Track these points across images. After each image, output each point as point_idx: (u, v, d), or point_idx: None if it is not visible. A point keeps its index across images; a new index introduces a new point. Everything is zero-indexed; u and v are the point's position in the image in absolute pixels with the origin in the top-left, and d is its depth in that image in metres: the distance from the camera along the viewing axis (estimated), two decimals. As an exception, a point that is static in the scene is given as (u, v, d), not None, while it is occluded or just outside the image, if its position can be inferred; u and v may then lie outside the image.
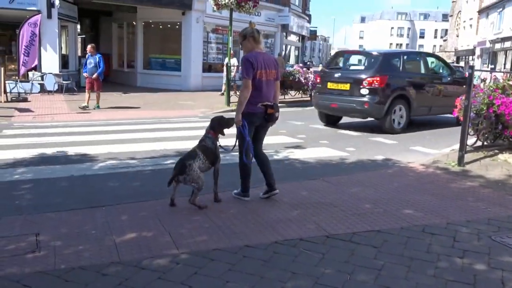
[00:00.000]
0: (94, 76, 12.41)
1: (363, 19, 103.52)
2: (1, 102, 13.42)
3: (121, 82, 21.85)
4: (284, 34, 26.61)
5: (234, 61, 15.31)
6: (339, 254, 3.51)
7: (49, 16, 16.08)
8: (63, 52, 20.25)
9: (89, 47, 12.85)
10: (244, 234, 3.85)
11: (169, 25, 21.12)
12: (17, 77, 15.75)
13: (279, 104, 4.99)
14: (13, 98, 14.10)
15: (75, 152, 7.20)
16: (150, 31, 21.65)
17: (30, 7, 15.81)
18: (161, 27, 21.72)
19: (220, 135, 4.72)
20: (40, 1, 15.94)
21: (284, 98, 16.68)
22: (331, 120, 11.06)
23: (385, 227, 4.09)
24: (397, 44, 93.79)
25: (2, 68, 13.78)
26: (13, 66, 16.61)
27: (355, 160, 7.15)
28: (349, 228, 4.05)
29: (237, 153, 4.90)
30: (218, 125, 4.73)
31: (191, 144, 7.83)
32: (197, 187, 4.41)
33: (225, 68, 15.56)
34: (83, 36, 27.24)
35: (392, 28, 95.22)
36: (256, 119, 4.71)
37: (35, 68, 16.14)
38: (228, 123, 4.73)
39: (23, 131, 9.28)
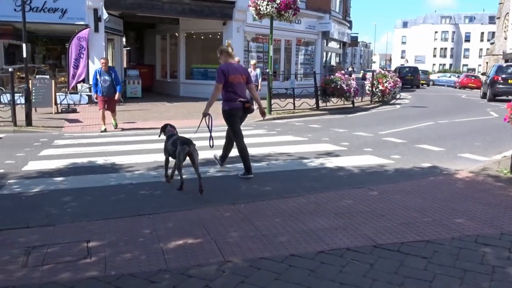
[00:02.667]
0: (117, 96, 10.98)
1: (405, 24, 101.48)
2: (52, 113, 14.02)
3: (164, 92, 22.36)
4: (325, 41, 26.47)
5: (254, 72, 15.27)
6: (387, 264, 3.42)
7: (96, 30, 16.69)
8: (110, 64, 20.93)
9: (102, 60, 11.06)
10: (289, 243, 3.82)
11: (210, 35, 21.46)
12: (67, 89, 16.40)
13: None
14: (63, 110, 14.70)
15: (121, 161, 7.39)
16: (192, 41, 22.07)
17: (78, 21, 16.46)
18: (202, 37, 22.10)
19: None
20: (88, 16, 16.56)
21: (326, 105, 16.55)
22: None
23: (434, 237, 3.96)
24: (441, 49, 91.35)
25: (53, 81, 14.41)
26: (63, 78, 17.32)
27: (401, 168, 6.98)
28: (397, 237, 3.94)
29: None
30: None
31: (234, 152, 7.95)
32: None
33: (255, 76, 15.62)
34: (128, 48, 28.10)
35: (436, 32, 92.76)
36: (238, 112, 6.35)
37: (83, 80, 16.75)
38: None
39: (73, 141, 9.63)
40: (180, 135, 5.93)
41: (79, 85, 16.87)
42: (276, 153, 8.13)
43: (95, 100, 11.24)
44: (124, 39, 23.23)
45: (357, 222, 4.34)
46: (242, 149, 6.44)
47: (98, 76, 10.76)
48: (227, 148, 6.84)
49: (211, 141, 6.34)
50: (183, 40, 21.63)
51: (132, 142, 9.40)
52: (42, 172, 6.62)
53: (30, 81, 12.57)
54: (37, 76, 15.02)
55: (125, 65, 23.70)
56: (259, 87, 14.42)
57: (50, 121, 12.45)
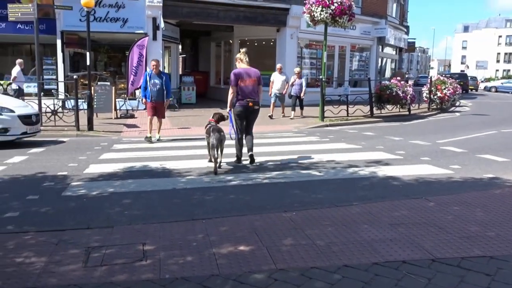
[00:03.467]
0: (166, 103, 10.35)
1: (466, 28, 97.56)
2: (112, 118, 14.62)
3: (218, 98, 22.69)
4: (380, 46, 25.94)
5: (281, 77, 15.22)
6: (447, 280, 3.28)
7: (155, 38, 17.27)
8: (166, 71, 21.52)
9: (152, 62, 10.10)
10: (342, 253, 3.76)
11: (263, 42, 21.61)
12: (125, 95, 17.03)
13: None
14: (122, 115, 15.29)
15: (176, 166, 7.56)
16: (246, 48, 22.32)
17: (138, 30, 17.11)
18: (256, 44, 22.29)
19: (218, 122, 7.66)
20: (147, 25, 17.19)
21: (381, 113, 16.19)
22: None
23: (499, 253, 3.75)
24: (505, 54, 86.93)
25: (114, 87, 15.04)
26: (122, 85, 18.00)
27: (461, 179, 6.69)
28: (457, 252, 3.77)
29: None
30: (219, 117, 7.72)
31: (286, 159, 7.92)
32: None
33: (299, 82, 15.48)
34: (184, 55, 28.85)
35: (500, 36, 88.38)
36: (244, 109, 7.51)
37: (141, 87, 17.35)
38: (223, 117, 7.74)
39: (130, 146, 9.98)
40: (214, 124, 7.50)
41: (137, 91, 17.46)
42: (328, 160, 8.03)
43: (143, 104, 10.54)
44: (180, 47, 23.87)
45: (413, 234, 4.19)
46: (239, 141, 7.73)
47: (148, 79, 10.06)
48: (249, 144, 7.79)
49: (232, 132, 7.73)
50: (237, 47, 21.90)
51: (186, 148, 9.61)
52: (102, 175, 6.90)
53: (92, 88, 13.17)
54: (98, 83, 15.72)
55: (180, 72, 24.30)
56: (302, 94, 15.16)
57: (110, 126, 12.98)
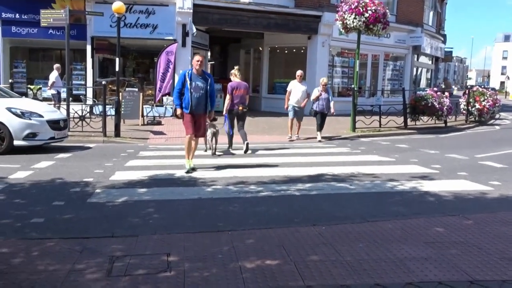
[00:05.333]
0: (211, 114, 8.48)
1: (507, 38, 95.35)
2: (138, 125, 14.85)
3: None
4: (416, 56, 25.57)
5: (301, 87, 12.55)
6: (486, 304, 3.15)
7: (184, 44, 17.51)
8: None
9: (197, 58, 7.77)
10: (374, 271, 3.66)
11: (294, 50, 21.62)
12: (153, 102, 17.28)
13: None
14: (149, 122, 15.50)
15: (202, 176, 7.59)
16: (276, 56, 22.37)
17: (167, 36, 17.38)
18: (286, 51, 22.33)
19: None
20: (177, 31, 17.45)
21: (415, 124, 15.92)
22: None
23: (543, 277, 3.59)
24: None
25: (141, 94, 15.28)
26: (150, 91, 18.28)
27: (501, 196, 6.47)
28: (497, 274, 3.63)
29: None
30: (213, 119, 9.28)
31: (316, 170, 7.87)
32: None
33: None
34: (213, 62, 29.12)
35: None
36: (236, 111, 10.15)
37: (169, 94, 17.56)
38: (215, 119, 9.41)
39: (156, 153, 10.09)
40: (210, 123, 9.26)
41: (164, 98, 17.70)
42: (359, 173, 7.92)
43: (178, 116, 8.01)
44: (209, 54, 24.09)
45: (450, 253, 4.06)
46: (231, 136, 10.36)
47: (186, 81, 7.68)
48: (244, 138, 10.12)
49: (226, 127, 10.33)
50: (266, 55, 22.01)
51: (214, 156, 9.64)
52: (128, 182, 6.98)
53: (120, 94, 13.41)
54: (126, 89, 16.01)
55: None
56: (333, 110, 12.59)
57: (137, 133, 13.17)
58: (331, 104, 12.59)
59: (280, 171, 7.99)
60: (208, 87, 7.79)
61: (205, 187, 6.78)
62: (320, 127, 12.74)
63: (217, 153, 9.85)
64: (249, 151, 10.01)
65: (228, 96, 10.15)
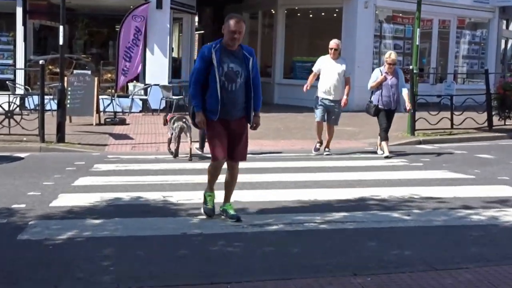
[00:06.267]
0: (255, 121, 6.71)
1: None
2: (92, 124, 14.93)
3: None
4: (504, 22, 25.51)
5: (337, 66, 11.55)
6: None
7: (159, 5, 17.57)
8: (174, 54, 21.78)
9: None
10: None
11: (322, 14, 21.72)
12: (113, 91, 17.31)
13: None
14: (108, 120, 15.59)
15: (187, 199, 7.61)
16: (295, 22, 22.43)
17: (135, -7, 17.51)
18: (311, 16, 22.40)
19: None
20: (148, -14, 17.54)
21: (504, 124, 15.86)
22: None
23: None
24: None
25: (96, 78, 15.32)
26: (109, 75, 18.37)
27: None
28: None
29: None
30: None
31: (354, 193, 7.88)
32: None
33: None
34: (202, 31, 29.24)
35: None
36: None
37: (137, 78, 17.61)
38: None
39: (118, 167, 10.14)
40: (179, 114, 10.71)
41: (130, 85, 17.74)
42: (421, 197, 7.91)
43: (199, 126, 6.80)
44: (196, 19, 24.16)
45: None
46: (203, 132, 10.34)
47: (213, 63, 6.42)
48: (202, 136, 10.94)
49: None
50: (282, 21, 22.02)
51: (201, 171, 9.65)
52: (77, 211, 7.00)
53: (66, 79, 13.45)
54: (74, 71, 16.09)
55: (195, 56, 24.58)
56: (408, 106, 12.05)
57: (90, 136, 13.24)
58: (404, 94, 11.72)
59: (301, 194, 7.99)
60: (250, 72, 6.56)
61: (191, 217, 6.78)
62: (385, 132, 11.62)
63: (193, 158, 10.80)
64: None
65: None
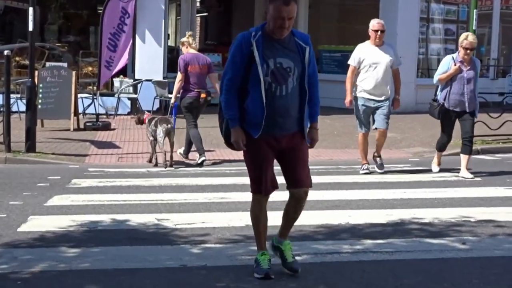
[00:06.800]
0: (312, 135, 6.11)
1: None
2: (70, 130, 14.98)
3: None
4: None
5: (381, 55, 11.03)
6: None
7: (152, -18, 17.67)
8: (170, 43, 21.78)
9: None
10: None
11: (354, -7, 21.74)
12: (95, 88, 17.31)
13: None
14: (88, 124, 15.62)
15: (185, 222, 7.66)
16: (321, 2, 22.45)
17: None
18: (340, -4, 22.43)
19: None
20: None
21: None
22: None
23: None
24: None
25: (74, 72, 15.35)
26: (90, 68, 18.43)
27: None
28: None
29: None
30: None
31: (393, 215, 7.90)
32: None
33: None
34: (204, 14, 29.28)
35: None
36: (194, 100, 11.98)
37: (124, 72, 17.63)
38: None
39: (102, 182, 10.20)
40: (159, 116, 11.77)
41: (116, 81, 17.76)
42: (479, 220, 7.92)
43: (237, 146, 5.88)
44: (198, -1, 24.23)
45: None
46: (193, 135, 11.92)
47: (255, 57, 5.72)
48: (189, 142, 12.17)
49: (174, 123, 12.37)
50: (304, 0, 22.05)
51: (202, 188, 9.71)
52: (51, 237, 7.03)
53: (37, 73, 13.51)
54: (47, 64, 16.13)
55: (197, 45, 24.67)
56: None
57: (66, 144, 13.31)
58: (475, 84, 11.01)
59: (329, 216, 8.04)
60: (306, 68, 5.86)
61: (191, 245, 6.80)
62: (444, 144, 11.43)
63: (174, 166, 11.54)
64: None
65: (179, 76, 12.09)
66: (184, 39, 12.59)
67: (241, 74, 5.76)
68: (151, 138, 11.59)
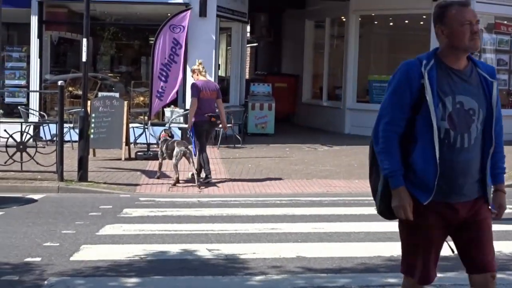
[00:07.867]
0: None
1: None
2: (121, 159, 15.11)
3: (315, 125, 22.62)
4: None
5: None
6: None
7: (203, 12, 17.69)
8: (221, 73, 21.83)
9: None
10: None
11: (406, 21, 21.65)
12: (146, 117, 17.41)
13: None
14: (140, 154, 15.72)
15: (240, 252, 7.63)
16: (372, 32, 22.37)
17: (173, -1, 17.76)
18: (391, 24, 22.34)
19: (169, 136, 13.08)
20: (190, -10, 17.74)
21: None
22: None
23: None
24: None
25: (126, 103, 15.47)
26: (141, 98, 18.54)
27: None
28: None
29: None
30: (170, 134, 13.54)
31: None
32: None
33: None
34: (255, 44, 29.34)
35: None
36: (206, 124, 12.77)
37: (175, 103, 17.70)
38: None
39: (152, 212, 10.23)
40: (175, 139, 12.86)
41: (167, 110, 17.82)
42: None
43: (405, 218, 4.27)
44: (248, 29, 24.24)
45: None
46: (204, 158, 12.67)
47: (427, 95, 4.28)
48: (200, 164, 12.77)
49: (195, 149, 12.86)
50: (355, 29, 21.93)
51: (256, 218, 9.67)
52: (104, 266, 7.05)
53: (89, 103, 13.65)
54: (99, 94, 16.30)
55: (247, 75, 24.65)
56: None
57: (118, 174, 13.41)
58: None
59: (382, 248, 7.96)
60: (493, 110, 4.37)
61: (241, 276, 6.78)
62: None
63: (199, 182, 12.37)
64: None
65: (193, 101, 12.73)
66: (195, 66, 13.30)
67: (406, 117, 4.31)
68: (160, 159, 12.87)
